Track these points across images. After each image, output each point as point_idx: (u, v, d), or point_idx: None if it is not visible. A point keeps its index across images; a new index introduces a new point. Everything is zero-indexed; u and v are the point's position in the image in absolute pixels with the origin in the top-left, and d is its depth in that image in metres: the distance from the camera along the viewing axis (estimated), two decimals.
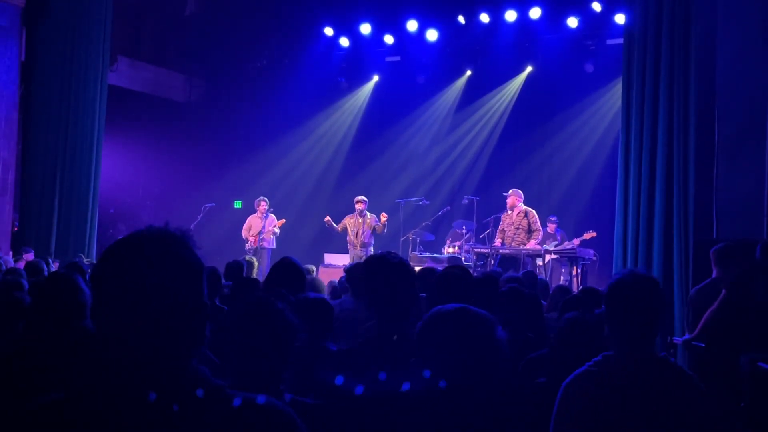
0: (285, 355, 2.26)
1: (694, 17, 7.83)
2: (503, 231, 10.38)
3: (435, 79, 13.83)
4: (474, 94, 13.87)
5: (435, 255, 11.09)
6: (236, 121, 14.80)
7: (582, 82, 12.64)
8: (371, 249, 11.11)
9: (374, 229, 11.17)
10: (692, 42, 7.81)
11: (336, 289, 6.62)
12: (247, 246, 11.57)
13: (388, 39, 13.43)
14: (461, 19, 12.73)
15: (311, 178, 14.91)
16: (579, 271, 10.02)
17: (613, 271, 8.04)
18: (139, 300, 1.29)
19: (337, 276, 9.10)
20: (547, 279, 9.52)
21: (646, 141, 8.03)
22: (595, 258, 10.43)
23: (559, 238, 11.43)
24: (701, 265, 6.28)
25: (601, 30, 12.10)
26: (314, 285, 5.56)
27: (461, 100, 14.00)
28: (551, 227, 11.71)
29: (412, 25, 13.00)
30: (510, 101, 13.61)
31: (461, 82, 13.89)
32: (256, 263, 8.28)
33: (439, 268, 4.49)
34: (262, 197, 11.88)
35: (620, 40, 8.97)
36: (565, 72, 12.66)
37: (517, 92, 13.50)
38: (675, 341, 6.60)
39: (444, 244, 11.89)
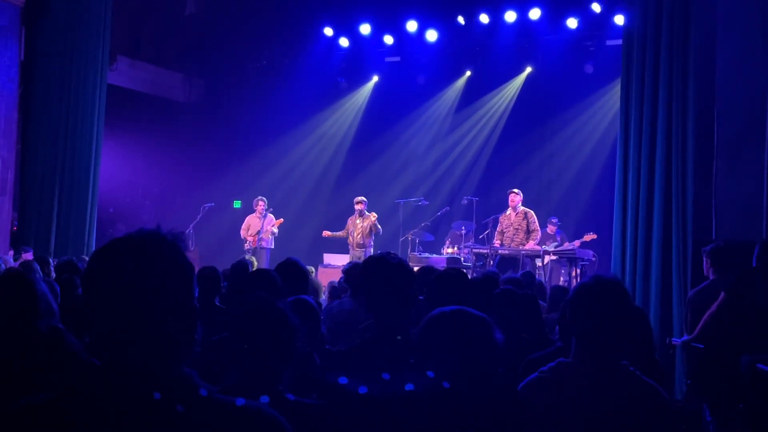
0: (285, 356, 2.26)
1: (694, 18, 7.83)
2: (502, 232, 10.39)
3: (434, 79, 13.83)
4: (473, 94, 13.87)
5: (434, 255, 11.09)
6: (236, 121, 14.80)
7: (581, 83, 12.64)
8: (371, 250, 11.12)
9: (371, 229, 11.21)
10: (692, 43, 7.81)
11: (335, 290, 6.62)
12: (246, 246, 11.57)
13: (388, 39, 13.43)
14: (461, 19, 12.73)
15: (311, 178, 14.91)
16: (578, 272, 10.03)
17: (612, 272, 8.04)
18: (127, 301, 1.29)
19: (336, 276, 9.10)
20: (547, 280, 9.53)
21: (645, 142, 8.03)
22: (594, 259, 10.43)
23: (559, 239, 11.43)
24: (700, 266, 6.28)
25: (601, 31, 12.11)
26: (312, 286, 5.56)
27: (461, 100, 14.00)
28: (551, 228, 11.71)
29: (411, 26, 13.00)
30: (509, 102, 13.61)
31: (461, 82, 13.90)
32: (255, 263, 8.29)
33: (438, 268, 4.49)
34: (260, 197, 11.89)
35: (620, 41, 8.97)
36: (565, 73, 12.67)
37: (517, 93, 13.50)
38: (674, 342, 6.61)
39: (443, 244, 11.89)
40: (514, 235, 10.21)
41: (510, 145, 13.50)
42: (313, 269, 8.80)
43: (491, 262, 9.94)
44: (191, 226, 11.80)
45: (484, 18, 12.60)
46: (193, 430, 1.28)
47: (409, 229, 11.76)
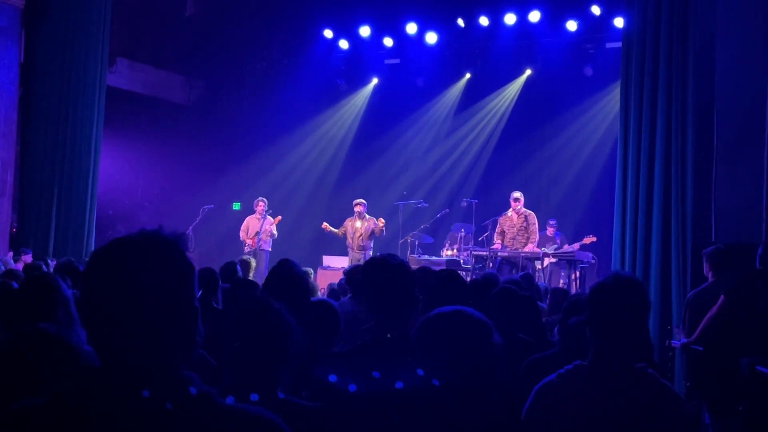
0: (282, 356, 2.26)
1: (693, 20, 7.84)
2: (503, 233, 10.38)
3: (434, 81, 13.84)
4: (473, 97, 13.88)
5: (433, 257, 11.09)
6: (235, 123, 14.80)
7: (581, 85, 12.66)
8: (370, 252, 11.11)
9: (372, 231, 11.19)
10: (691, 45, 7.82)
11: (335, 292, 6.61)
12: (246, 248, 11.53)
13: (388, 41, 13.44)
14: (461, 22, 12.75)
15: (310, 180, 14.91)
16: (578, 274, 10.03)
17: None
18: (127, 301, 1.28)
19: (335, 278, 9.10)
20: (546, 282, 9.52)
21: (644, 144, 8.03)
22: (593, 261, 10.43)
23: (558, 241, 11.43)
24: (700, 268, 6.28)
25: (601, 33, 12.12)
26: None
27: (460, 103, 14.01)
28: (551, 230, 11.71)
29: (411, 28, 13.01)
30: (509, 104, 13.62)
31: (460, 84, 13.90)
32: (253, 263, 8.25)
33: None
34: (260, 198, 11.86)
35: (619, 44, 8.97)
36: (565, 75, 12.68)
37: (517, 95, 13.51)
38: (674, 344, 6.60)
39: (443, 246, 11.88)
40: (515, 236, 10.21)
41: (509, 147, 13.51)
42: (312, 271, 8.78)
43: (491, 264, 9.95)
44: (191, 227, 11.78)
45: (483, 20, 12.61)
46: (180, 428, 1.27)
47: (409, 232, 11.76)
